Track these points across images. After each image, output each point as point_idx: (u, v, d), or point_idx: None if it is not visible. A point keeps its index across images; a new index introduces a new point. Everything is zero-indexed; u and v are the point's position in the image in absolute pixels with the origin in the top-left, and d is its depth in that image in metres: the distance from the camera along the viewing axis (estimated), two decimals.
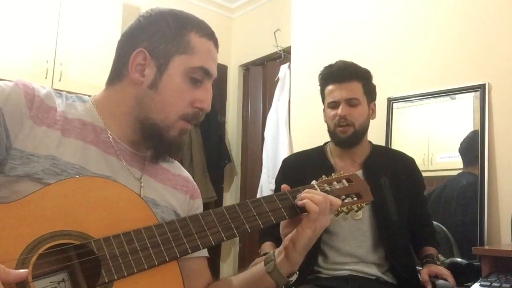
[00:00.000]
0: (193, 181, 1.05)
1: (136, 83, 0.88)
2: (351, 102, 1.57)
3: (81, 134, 0.85)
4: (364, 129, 1.61)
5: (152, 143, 0.91)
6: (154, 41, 0.88)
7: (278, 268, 0.88)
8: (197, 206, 1.03)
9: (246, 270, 0.95)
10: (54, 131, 0.82)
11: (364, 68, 1.65)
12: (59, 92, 0.90)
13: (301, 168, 1.64)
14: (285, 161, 1.76)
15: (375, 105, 1.68)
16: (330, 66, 1.64)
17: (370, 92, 1.64)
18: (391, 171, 1.61)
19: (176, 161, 1.04)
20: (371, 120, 1.69)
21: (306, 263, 1.58)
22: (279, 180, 1.70)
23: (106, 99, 0.92)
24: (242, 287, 0.92)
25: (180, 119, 0.89)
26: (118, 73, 0.91)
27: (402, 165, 1.67)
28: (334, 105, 1.60)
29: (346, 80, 1.58)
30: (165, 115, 0.87)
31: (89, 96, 0.94)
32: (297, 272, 0.91)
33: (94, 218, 0.73)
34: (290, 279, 0.90)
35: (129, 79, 0.89)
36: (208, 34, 0.92)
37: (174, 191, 0.97)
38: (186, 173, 1.04)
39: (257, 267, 0.92)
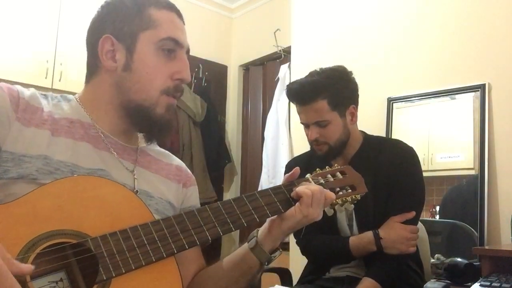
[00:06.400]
0: (186, 168, 1.05)
1: (111, 70, 0.89)
2: (319, 124, 1.48)
3: (70, 132, 0.86)
4: (342, 142, 1.51)
5: (142, 125, 0.91)
6: (116, 25, 0.89)
7: (260, 244, 0.89)
8: (191, 194, 1.03)
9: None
10: (44, 131, 0.82)
11: (328, 76, 1.49)
12: (44, 93, 0.90)
13: (306, 169, 1.61)
14: (289, 165, 1.72)
15: (355, 108, 1.54)
16: (290, 85, 1.55)
17: (340, 102, 1.49)
18: (375, 167, 1.49)
19: (166, 151, 1.05)
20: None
21: (316, 268, 1.59)
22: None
23: (88, 94, 0.93)
24: (229, 268, 0.93)
25: (163, 94, 0.89)
26: (93, 67, 0.92)
27: (388, 158, 1.51)
28: (305, 125, 1.54)
29: (308, 101, 1.47)
30: (146, 93, 0.88)
31: (73, 94, 0.95)
32: (280, 250, 0.92)
33: (90, 217, 0.73)
34: (273, 255, 0.90)
35: (103, 69, 0.90)
36: (168, 5, 0.93)
37: (167, 180, 0.98)
38: (177, 161, 1.05)
39: (242, 246, 0.93)
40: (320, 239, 1.54)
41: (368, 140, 1.60)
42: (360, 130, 1.61)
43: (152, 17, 0.89)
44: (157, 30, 0.89)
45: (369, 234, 1.44)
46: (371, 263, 1.46)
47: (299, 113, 1.54)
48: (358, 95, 1.57)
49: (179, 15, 0.94)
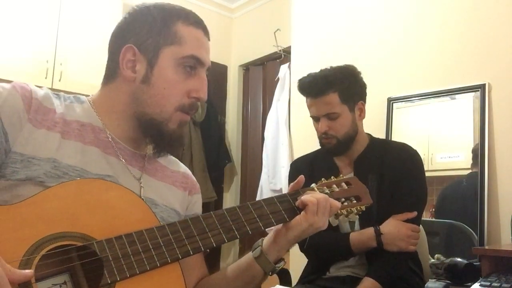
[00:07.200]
0: (192, 176, 1.05)
1: (129, 79, 0.88)
2: (330, 116, 1.52)
3: (80, 136, 0.85)
4: (350, 137, 1.54)
5: (153, 138, 0.91)
6: (141, 36, 0.88)
7: (264, 253, 0.89)
8: (195, 201, 1.03)
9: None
10: (54, 134, 0.82)
11: (339, 71, 1.56)
12: (56, 93, 0.90)
13: (309, 170, 1.62)
14: (293, 165, 1.74)
15: (363, 104, 1.59)
16: (303, 78, 1.58)
17: (350, 97, 1.54)
18: (380, 165, 1.53)
19: (173, 157, 1.04)
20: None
21: (316, 268, 1.60)
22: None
23: (103, 98, 0.92)
24: (232, 276, 0.93)
25: (177, 110, 0.89)
26: (111, 72, 0.91)
27: (392, 159, 1.54)
28: (315, 119, 1.58)
29: (320, 94, 1.52)
30: (160, 108, 0.88)
31: (87, 96, 0.94)
32: (285, 260, 0.92)
33: (95, 220, 0.73)
34: (277, 265, 0.90)
35: (122, 77, 0.89)
36: (196, 22, 0.91)
37: (173, 188, 0.98)
38: (183, 169, 1.05)
39: (247, 255, 0.93)
40: (320, 234, 1.55)
41: (374, 142, 1.63)
42: (366, 133, 1.64)
43: (178, 33, 0.88)
44: (181, 47, 0.88)
45: (370, 230, 1.45)
46: (372, 262, 1.46)
47: (309, 106, 1.57)
48: (366, 93, 1.62)
49: (206, 32, 0.93)
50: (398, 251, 1.43)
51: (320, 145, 1.61)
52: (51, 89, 2.82)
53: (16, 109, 0.78)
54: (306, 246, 1.59)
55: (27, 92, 0.82)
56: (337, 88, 1.51)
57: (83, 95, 0.95)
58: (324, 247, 1.53)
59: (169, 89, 0.87)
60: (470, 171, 2.17)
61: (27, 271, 0.62)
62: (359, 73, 1.60)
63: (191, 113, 0.92)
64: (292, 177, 1.70)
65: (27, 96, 0.81)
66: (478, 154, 2.12)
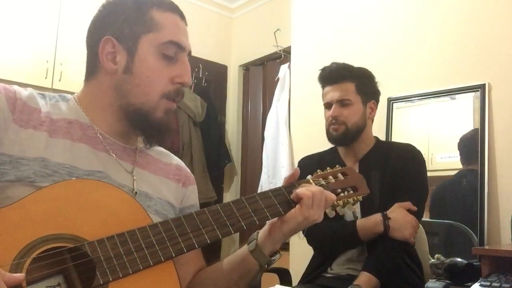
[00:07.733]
0: (185, 167, 1.04)
1: (111, 72, 0.88)
2: (343, 103, 1.60)
3: (68, 133, 0.84)
4: (358, 128, 1.60)
5: (141, 128, 0.90)
6: (118, 27, 0.87)
7: (260, 246, 0.88)
8: (190, 193, 1.02)
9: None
10: (41, 133, 0.81)
11: (359, 68, 1.66)
12: (41, 93, 0.89)
13: (317, 166, 1.63)
14: (301, 161, 1.78)
15: (375, 103, 1.67)
16: (324, 68, 1.66)
17: (365, 90, 1.63)
18: (384, 164, 1.58)
19: (165, 150, 1.04)
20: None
21: (319, 263, 1.60)
22: None
23: (87, 95, 0.91)
24: (228, 269, 0.92)
25: (163, 98, 0.88)
26: (92, 67, 0.91)
27: (396, 155, 1.59)
28: (328, 106, 1.64)
29: (338, 81, 1.61)
30: (145, 97, 0.87)
31: (72, 93, 0.93)
32: (280, 253, 0.91)
33: (86, 221, 0.72)
34: (273, 258, 0.89)
35: (103, 70, 0.88)
36: (171, 8, 0.91)
37: (167, 180, 0.97)
38: (177, 160, 1.04)
39: (242, 248, 0.92)
40: (326, 224, 1.56)
41: (380, 143, 1.70)
42: (374, 136, 1.69)
43: (155, 19, 0.87)
44: (159, 33, 0.87)
45: (376, 215, 1.48)
46: (368, 257, 1.48)
47: (325, 94, 1.65)
48: (379, 99, 1.70)
49: (182, 17, 0.92)
50: (402, 239, 1.45)
51: (327, 134, 1.64)
52: (51, 89, 2.83)
53: (1, 110, 0.77)
54: (312, 235, 1.60)
55: (11, 93, 0.81)
56: (355, 80, 1.61)
57: (66, 93, 0.94)
58: (331, 236, 1.55)
59: (152, 76, 0.87)
60: (462, 168, 2.18)
61: (18, 274, 0.61)
62: (377, 82, 1.70)
63: (177, 100, 0.91)
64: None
65: (11, 97, 0.80)
66: (468, 151, 2.14)
